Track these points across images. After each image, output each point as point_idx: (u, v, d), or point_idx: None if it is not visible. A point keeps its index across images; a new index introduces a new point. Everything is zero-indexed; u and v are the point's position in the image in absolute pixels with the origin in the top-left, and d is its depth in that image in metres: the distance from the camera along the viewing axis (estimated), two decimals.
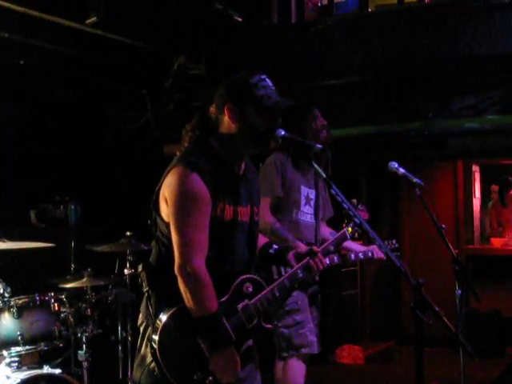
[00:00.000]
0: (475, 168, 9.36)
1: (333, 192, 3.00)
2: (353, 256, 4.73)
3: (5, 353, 4.54)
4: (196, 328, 2.87)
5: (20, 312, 4.64)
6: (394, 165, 4.22)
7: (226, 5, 6.41)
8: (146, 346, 3.01)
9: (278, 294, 3.14)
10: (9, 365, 4.51)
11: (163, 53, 6.40)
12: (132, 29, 5.84)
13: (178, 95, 6.89)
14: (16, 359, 4.56)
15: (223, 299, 2.99)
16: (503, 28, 5.61)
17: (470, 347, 2.83)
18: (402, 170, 4.20)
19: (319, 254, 3.37)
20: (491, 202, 9.85)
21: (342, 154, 4.81)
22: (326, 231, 4.89)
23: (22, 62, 5.96)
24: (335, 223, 4.89)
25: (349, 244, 4.72)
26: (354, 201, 4.55)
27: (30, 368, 4.61)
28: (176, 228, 2.92)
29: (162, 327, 2.86)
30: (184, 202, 2.92)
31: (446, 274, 4.89)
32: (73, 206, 6.65)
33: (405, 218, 9.28)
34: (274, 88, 3.10)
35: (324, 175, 3.03)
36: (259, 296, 3.07)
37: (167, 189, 2.96)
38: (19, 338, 4.58)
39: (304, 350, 4.65)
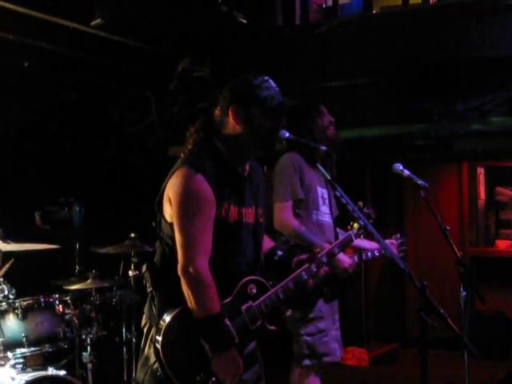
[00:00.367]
0: (480, 170, 9.35)
1: (337, 194, 3.00)
2: (369, 254, 4.72)
3: (9, 354, 4.54)
4: (198, 329, 2.87)
5: (25, 314, 4.65)
6: (399, 167, 4.20)
7: (231, 7, 6.42)
8: (150, 346, 3.02)
9: (281, 296, 3.13)
10: (13, 366, 4.51)
11: (168, 55, 6.40)
12: (136, 31, 5.85)
13: (182, 97, 6.89)
14: (21, 361, 4.56)
15: (227, 300, 2.99)
16: (508, 29, 5.60)
17: (475, 349, 2.83)
18: (406, 172, 4.19)
19: (320, 258, 3.38)
20: None
21: (347, 155, 4.80)
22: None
23: (26, 64, 5.97)
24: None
25: (361, 243, 4.70)
26: (361, 203, 4.53)
27: (34, 369, 4.61)
28: (179, 228, 2.92)
29: (166, 328, 2.87)
30: (188, 202, 2.92)
31: (451, 275, 4.87)
32: (77, 208, 6.66)
33: (409, 220, 9.27)
34: (277, 89, 3.11)
35: (329, 177, 3.03)
36: (263, 297, 3.07)
37: (171, 190, 2.96)
38: (24, 339, 4.60)
39: (327, 359, 4.63)
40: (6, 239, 4.70)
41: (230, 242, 3.03)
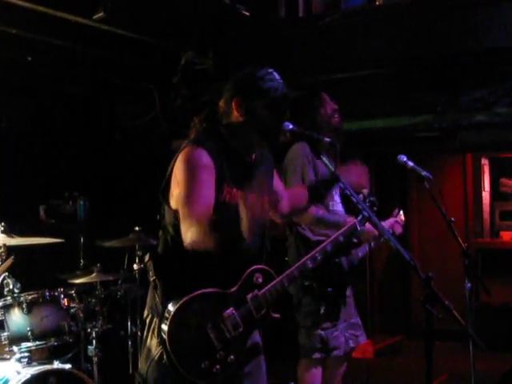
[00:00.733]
0: (484, 161, 9.33)
1: (341, 185, 3.00)
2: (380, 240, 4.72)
3: (15, 348, 4.56)
4: None
5: (30, 308, 4.66)
6: (403, 158, 4.20)
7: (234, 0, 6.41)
8: (152, 338, 3.04)
9: (287, 285, 3.14)
10: (19, 360, 4.53)
11: (171, 48, 6.39)
12: (139, 24, 5.83)
13: (185, 90, 6.88)
14: (26, 355, 4.57)
15: (233, 289, 3.01)
16: None
17: (480, 340, 2.83)
18: (410, 164, 4.18)
19: (325, 247, 3.38)
20: None
21: (351, 147, 4.78)
22: None
23: (29, 59, 5.97)
24: None
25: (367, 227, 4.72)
26: (365, 191, 4.51)
27: (39, 363, 4.62)
28: (183, 190, 2.93)
29: (172, 317, 2.87)
30: (190, 167, 2.95)
31: (456, 267, 4.87)
32: (82, 202, 6.66)
33: (414, 212, 9.25)
34: (281, 81, 3.12)
35: (332, 168, 3.03)
36: (268, 286, 3.08)
37: (176, 168, 3.00)
38: (29, 333, 4.61)
39: (336, 352, 4.65)
40: (10, 233, 4.71)
41: (236, 225, 3.02)
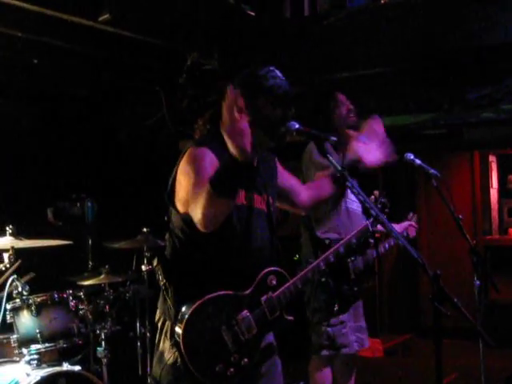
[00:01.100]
0: (492, 158, 9.31)
1: (348, 184, 2.99)
2: (392, 241, 4.73)
3: (24, 350, 4.58)
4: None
5: (39, 310, 4.67)
6: (410, 156, 4.19)
7: None
8: (164, 341, 3.03)
9: (300, 287, 3.16)
10: (28, 362, 4.54)
11: (176, 49, 6.39)
12: (145, 25, 5.83)
13: (192, 91, 6.88)
14: (35, 357, 4.58)
15: (247, 292, 3.01)
16: None
17: (489, 338, 2.82)
18: (418, 161, 4.17)
19: (337, 249, 3.41)
20: None
21: None
22: None
23: (35, 61, 5.97)
24: None
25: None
26: (376, 192, 4.52)
27: (49, 365, 4.64)
28: (189, 182, 2.89)
29: (186, 320, 2.87)
30: (195, 163, 2.93)
31: (465, 265, 4.86)
32: (89, 203, 6.67)
33: (422, 210, 9.23)
34: (283, 78, 3.11)
35: (339, 167, 3.02)
36: (282, 288, 3.09)
37: (180, 170, 2.99)
38: (38, 335, 4.62)
39: (344, 350, 4.65)
40: (18, 236, 4.71)
41: (244, 225, 3.01)
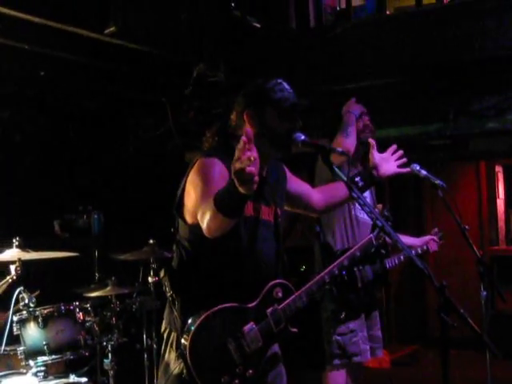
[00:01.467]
0: (498, 168, 9.31)
1: (354, 195, 3.00)
2: (413, 252, 4.73)
3: (31, 362, 4.58)
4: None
5: (45, 322, 4.68)
6: (416, 167, 4.19)
7: (244, 12, 6.43)
8: (170, 352, 3.04)
9: (305, 299, 3.17)
10: (35, 374, 4.54)
11: (182, 61, 6.41)
12: (151, 38, 5.85)
13: (198, 103, 6.90)
14: (42, 369, 4.58)
15: (253, 304, 3.02)
16: None
17: (497, 349, 2.81)
18: (423, 172, 4.17)
19: (342, 261, 3.42)
20: None
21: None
22: None
23: (42, 74, 6.00)
24: None
25: (406, 240, 4.76)
26: (380, 206, 4.55)
27: (56, 377, 4.64)
28: (197, 192, 2.90)
29: (193, 333, 2.87)
30: (203, 173, 2.95)
31: (471, 275, 4.85)
32: (96, 216, 6.68)
33: (428, 220, 9.24)
34: (291, 90, 3.12)
35: (345, 178, 3.03)
36: (288, 301, 3.11)
37: (189, 181, 3.01)
38: (45, 347, 4.62)
39: (356, 359, 4.66)
40: (25, 248, 4.72)
41: (251, 236, 3.02)
